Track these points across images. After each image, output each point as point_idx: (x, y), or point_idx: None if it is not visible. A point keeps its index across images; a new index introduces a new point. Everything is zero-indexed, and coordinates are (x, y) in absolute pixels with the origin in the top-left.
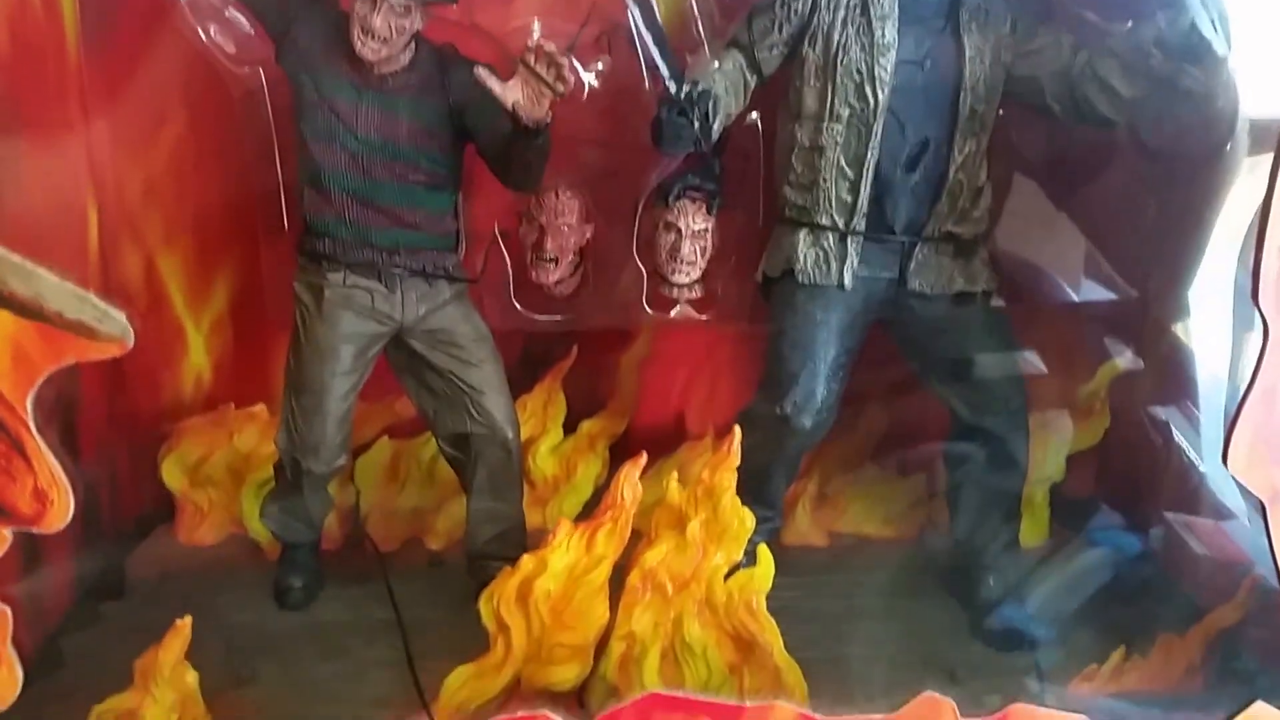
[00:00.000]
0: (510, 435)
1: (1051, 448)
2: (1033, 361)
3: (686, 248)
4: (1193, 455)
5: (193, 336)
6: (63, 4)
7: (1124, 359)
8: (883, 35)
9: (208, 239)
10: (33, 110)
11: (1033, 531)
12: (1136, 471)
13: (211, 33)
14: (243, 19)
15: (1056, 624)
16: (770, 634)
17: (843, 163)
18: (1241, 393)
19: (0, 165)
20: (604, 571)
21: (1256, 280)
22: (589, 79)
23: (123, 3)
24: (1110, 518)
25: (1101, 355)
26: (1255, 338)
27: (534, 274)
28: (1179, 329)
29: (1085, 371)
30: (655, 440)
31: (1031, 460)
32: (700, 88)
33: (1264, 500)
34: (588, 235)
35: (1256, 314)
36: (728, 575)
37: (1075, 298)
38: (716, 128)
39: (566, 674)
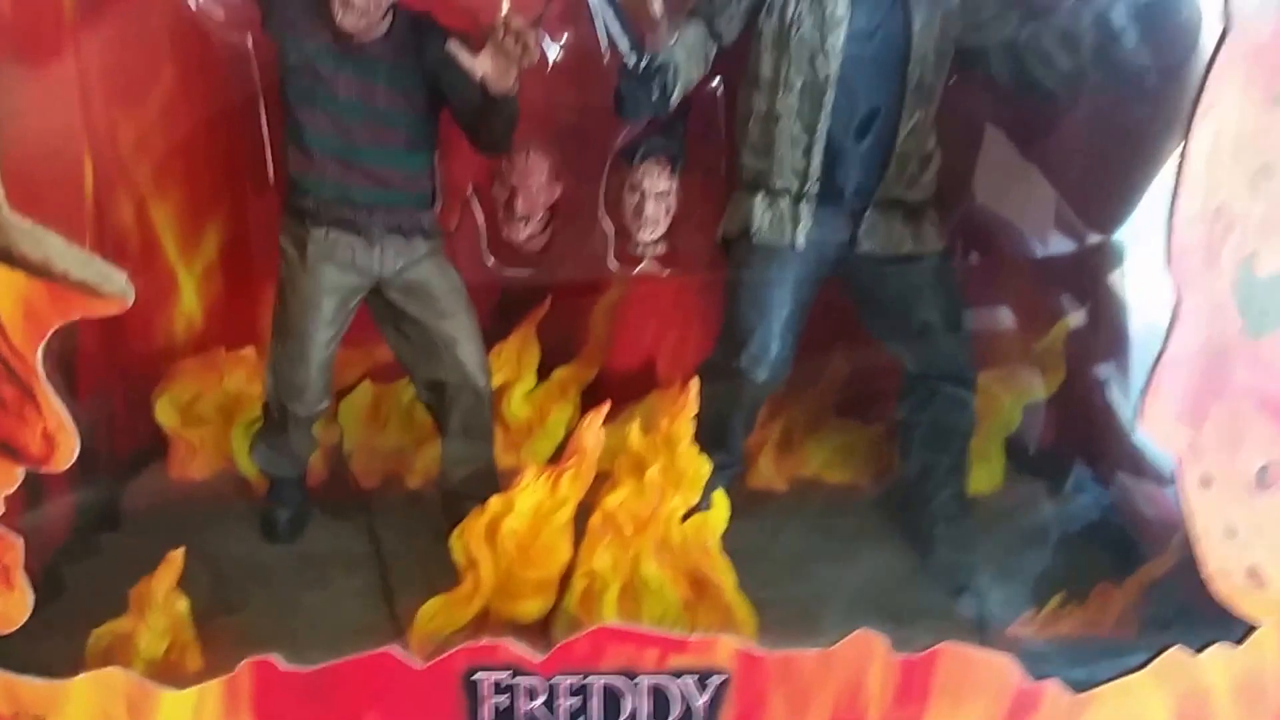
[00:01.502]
0: (482, 383)
1: (1009, 398)
2: (997, 317)
3: (650, 207)
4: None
5: (185, 282)
6: None
7: (1077, 316)
8: (834, 10)
9: (198, 189)
10: (30, 65)
11: (986, 479)
12: (1089, 429)
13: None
14: None
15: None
16: (723, 573)
17: (796, 130)
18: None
19: (2, 116)
20: (567, 512)
21: (1169, 252)
22: (554, 52)
23: None
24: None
25: (1059, 310)
26: None
27: (505, 231)
28: (1115, 278)
29: (1045, 325)
30: (627, 386)
31: (988, 410)
32: (659, 60)
33: (1176, 459)
34: (557, 194)
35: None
36: (684, 518)
37: (1041, 251)
38: (676, 96)
39: (531, 607)
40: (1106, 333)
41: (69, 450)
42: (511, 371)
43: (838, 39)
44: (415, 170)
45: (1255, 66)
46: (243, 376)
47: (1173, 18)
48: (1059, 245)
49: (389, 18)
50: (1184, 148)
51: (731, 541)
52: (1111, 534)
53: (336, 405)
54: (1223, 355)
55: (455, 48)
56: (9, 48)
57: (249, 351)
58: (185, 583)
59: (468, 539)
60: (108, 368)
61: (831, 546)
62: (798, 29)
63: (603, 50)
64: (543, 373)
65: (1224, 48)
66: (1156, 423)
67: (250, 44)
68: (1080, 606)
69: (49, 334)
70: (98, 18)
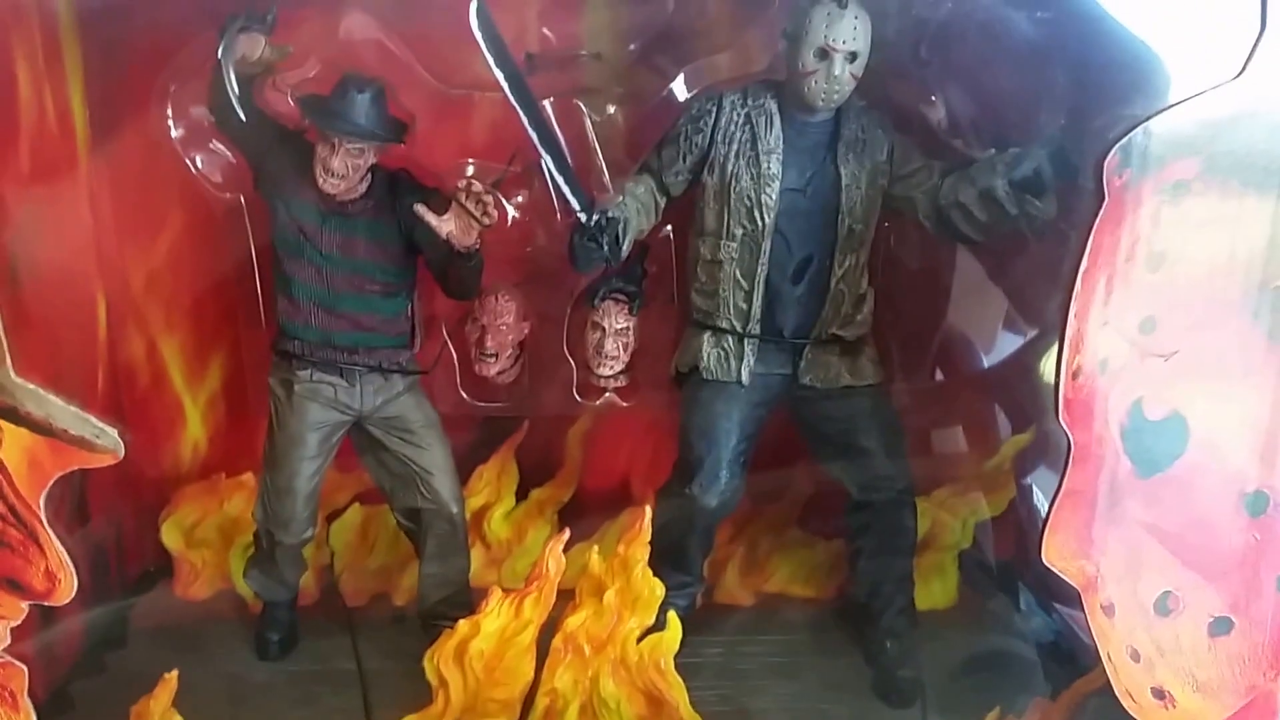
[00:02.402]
0: (455, 511)
1: (960, 517)
2: (953, 439)
3: (610, 344)
4: None
5: (190, 411)
6: (76, 125)
7: (1023, 437)
8: (768, 167)
9: (202, 325)
10: (48, 213)
11: (941, 595)
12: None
13: (199, 162)
14: (225, 149)
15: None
16: (677, 691)
17: (738, 275)
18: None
19: (20, 261)
20: (531, 634)
21: (1058, 401)
22: (512, 210)
23: (125, 127)
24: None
25: (1009, 431)
26: None
27: (477, 368)
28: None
29: (996, 446)
30: (602, 505)
31: (941, 527)
32: (608, 215)
33: (1079, 587)
34: (525, 332)
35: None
36: (640, 638)
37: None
38: (626, 247)
39: None
40: (1052, 454)
41: (69, 587)
42: (492, 493)
43: (772, 194)
44: (392, 314)
45: (1132, 231)
46: (241, 501)
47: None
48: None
49: (368, 178)
50: (1065, 306)
51: (696, 657)
52: (1056, 649)
53: (327, 527)
54: (1116, 493)
55: (422, 210)
56: (30, 202)
57: (248, 477)
58: (185, 699)
59: (438, 660)
60: (118, 491)
61: (790, 659)
62: (737, 184)
63: (556, 209)
64: (521, 494)
65: (1101, 215)
66: (1057, 555)
67: (244, 202)
68: (1017, 719)
69: (50, 483)
70: (110, 172)
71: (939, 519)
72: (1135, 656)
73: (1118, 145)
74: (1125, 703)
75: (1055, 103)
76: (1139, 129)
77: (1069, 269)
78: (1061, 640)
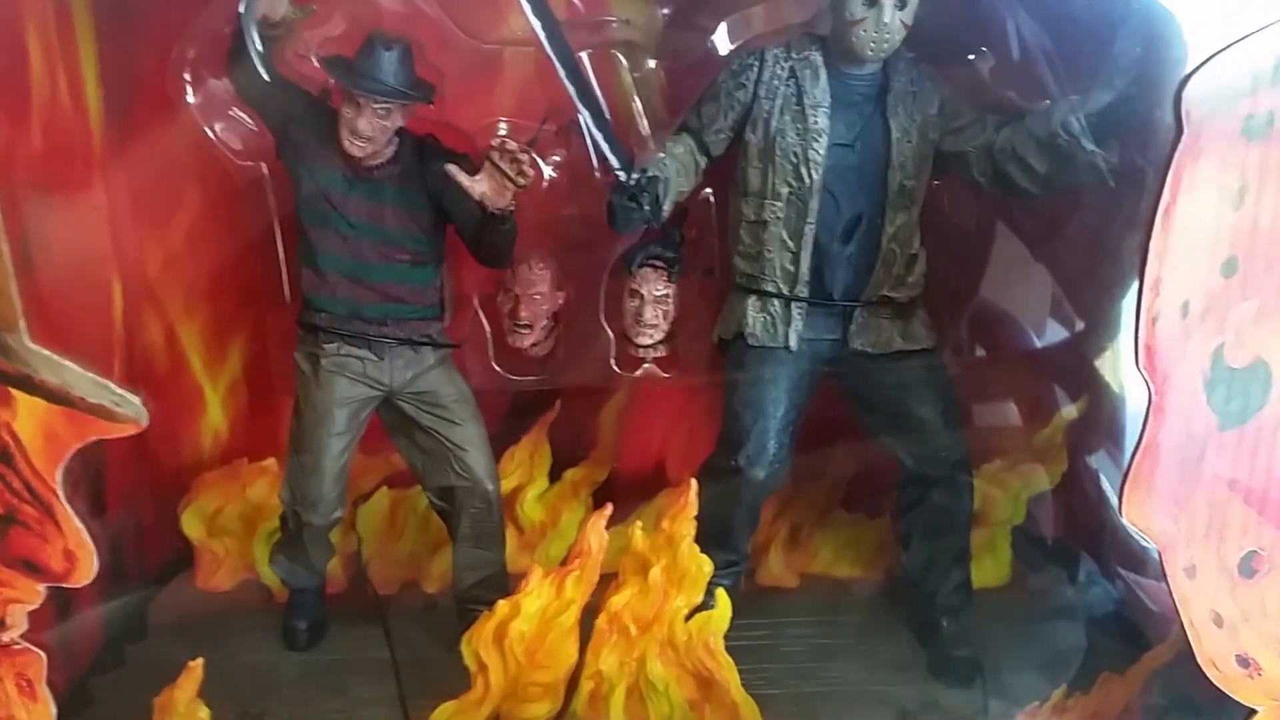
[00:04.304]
0: (490, 489)
1: (1012, 491)
2: (1004, 412)
3: (649, 312)
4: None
5: (210, 396)
6: (89, 100)
7: (1075, 407)
8: (815, 121)
9: (222, 308)
10: (61, 194)
11: (994, 572)
12: (1093, 520)
13: (219, 130)
14: (246, 116)
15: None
16: (728, 672)
17: (784, 235)
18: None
19: (34, 243)
20: (573, 614)
21: (1138, 347)
22: (548, 170)
23: (140, 99)
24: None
25: (1060, 401)
26: None
27: (510, 339)
28: (1107, 370)
29: (1046, 417)
30: (637, 486)
31: (993, 503)
32: (649, 174)
33: (1159, 548)
34: (559, 302)
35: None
36: (688, 617)
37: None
38: (666, 207)
39: (540, 710)
40: (1105, 423)
41: (88, 567)
42: (524, 474)
43: (820, 149)
44: (422, 285)
45: (1211, 166)
46: (265, 486)
47: (1131, 122)
48: (1055, 337)
49: (395, 142)
50: (1145, 247)
51: (742, 639)
52: (1118, 625)
53: (354, 512)
54: (1198, 447)
55: (454, 170)
56: (42, 182)
57: (271, 463)
58: (208, 691)
59: (477, 644)
60: (136, 481)
61: (838, 642)
62: (782, 140)
63: (595, 168)
64: (554, 474)
65: (1180, 150)
66: (1138, 513)
67: (266, 171)
68: (1085, 696)
69: (68, 456)
70: (126, 150)
71: (988, 494)
72: (1218, 621)
73: (1197, 75)
74: (1209, 671)
75: (1132, 30)
76: (1219, 57)
77: (1147, 206)
78: (1124, 611)
